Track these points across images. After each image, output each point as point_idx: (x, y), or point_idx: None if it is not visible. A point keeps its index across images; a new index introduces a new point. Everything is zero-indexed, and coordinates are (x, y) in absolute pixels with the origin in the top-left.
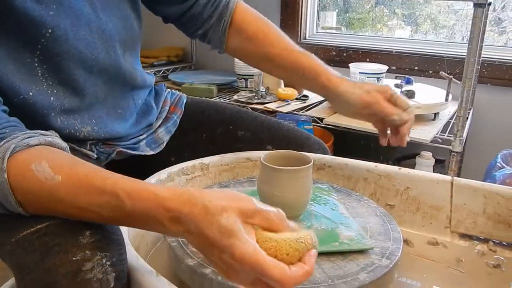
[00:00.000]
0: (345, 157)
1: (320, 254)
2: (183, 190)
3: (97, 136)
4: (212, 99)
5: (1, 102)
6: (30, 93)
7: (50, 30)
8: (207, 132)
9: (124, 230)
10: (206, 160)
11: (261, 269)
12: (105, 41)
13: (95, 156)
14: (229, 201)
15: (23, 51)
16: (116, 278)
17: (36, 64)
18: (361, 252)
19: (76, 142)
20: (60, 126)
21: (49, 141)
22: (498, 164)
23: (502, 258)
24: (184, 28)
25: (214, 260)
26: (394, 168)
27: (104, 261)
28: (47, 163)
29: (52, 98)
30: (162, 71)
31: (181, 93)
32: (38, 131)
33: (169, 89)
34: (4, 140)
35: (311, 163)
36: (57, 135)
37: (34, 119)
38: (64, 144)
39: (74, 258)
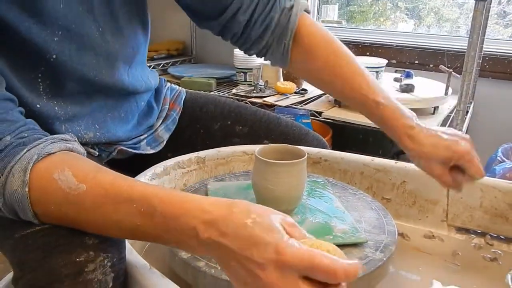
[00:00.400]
0: (344, 151)
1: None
2: (224, 199)
3: (98, 141)
4: (211, 93)
5: (16, 103)
6: (38, 106)
7: (54, 56)
8: (205, 127)
9: None
10: (202, 153)
11: (310, 259)
12: (110, 62)
13: (97, 153)
14: (270, 211)
15: (27, 68)
16: (115, 278)
17: (40, 80)
18: (355, 245)
19: None
20: (64, 133)
21: (69, 147)
22: (499, 158)
23: (499, 252)
24: (239, 46)
25: (252, 264)
26: (391, 162)
27: (105, 262)
28: (70, 171)
29: (56, 108)
30: (161, 64)
31: (180, 88)
32: (58, 135)
33: (168, 84)
34: (26, 149)
35: (305, 157)
36: (76, 139)
37: (41, 127)
38: (82, 150)
39: (77, 259)
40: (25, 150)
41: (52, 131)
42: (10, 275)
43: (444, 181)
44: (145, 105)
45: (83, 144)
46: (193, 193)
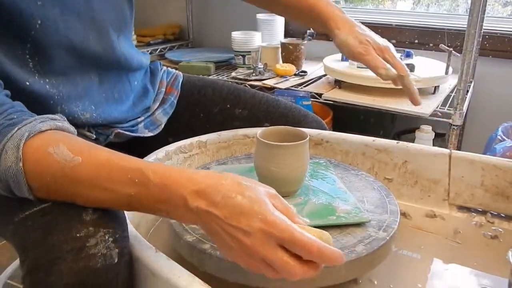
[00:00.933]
0: (345, 132)
1: (317, 228)
2: (215, 171)
3: (94, 122)
4: (209, 77)
5: (1, 86)
6: (27, 83)
7: (39, 21)
8: (204, 111)
9: None
10: (204, 138)
11: (290, 232)
12: (97, 28)
13: (94, 136)
14: (256, 183)
15: (14, 43)
16: (120, 254)
17: (28, 56)
18: (358, 225)
19: (74, 125)
20: (60, 113)
21: (59, 125)
22: (499, 137)
23: (500, 230)
24: None
25: (237, 232)
26: (392, 142)
27: (107, 237)
28: (65, 146)
29: (47, 87)
30: (158, 49)
31: (176, 71)
32: (47, 115)
33: (164, 67)
34: (17, 127)
35: (307, 138)
36: (65, 118)
37: (35, 106)
38: (72, 129)
39: (78, 235)
40: (16, 129)
41: (47, 112)
42: (16, 262)
43: (375, 57)
44: (140, 87)
45: (81, 126)
46: None
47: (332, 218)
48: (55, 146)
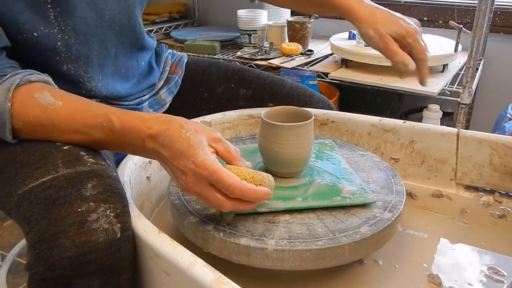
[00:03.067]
0: (351, 112)
1: (322, 209)
2: (165, 115)
3: (98, 93)
4: (213, 57)
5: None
6: (35, 34)
7: None
8: (208, 91)
9: (128, 189)
10: (208, 118)
11: (217, 175)
12: None
13: None
14: (200, 127)
15: None
16: (122, 229)
17: (49, 6)
18: (363, 206)
19: (77, 93)
20: (65, 72)
21: (46, 80)
22: (508, 115)
23: (508, 209)
24: None
25: (177, 170)
26: (399, 122)
27: (108, 212)
28: (49, 93)
29: (59, 43)
30: (164, 28)
31: (182, 53)
32: (35, 71)
33: (170, 50)
34: (9, 75)
35: (312, 118)
36: (50, 78)
37: (35, 58)
38: (57, 87)
39: (79, 210)
40: (8, 76)
41: (50, 66)
42: (24, 240)
43: (395, 52)
44: (146, 67)
45: (85, 94)
46: None
47: (337, 199)
48: (40, 92)
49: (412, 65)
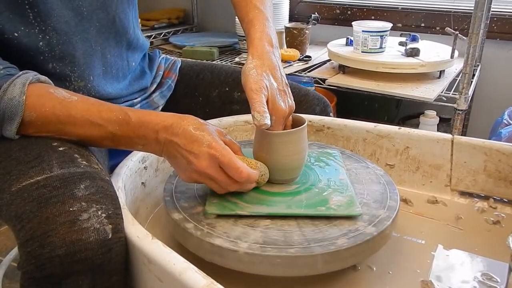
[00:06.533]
0: (349, 118)
1: (306, 217)
2: (177, 114)
3: (87, 93)
4: (207, 61)
5: None
6: (15, 34)
7: None
8: (203, 95)
9: (122, 194)
10: None
11: (228, 157)
12: None
13: None
14: (209, 124)
15: None
16: (113, 231)
17: (27, 6)
18: (348, 218)
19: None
20: (51, 71)
21: (51, 82)
22: (505, 121)
23: (503, 215)
24: None
25: (190, 155)
26: (394, 128)
27: (99, 213)
28: (63, 90)
29: (41, 43)
30: (163, 34)
31: (175, 58)
32: (37, 73)
33: (163, 55)
34: (21, 73)
35: (304, 125)
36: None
37: (20, 58)
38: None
39: (71, 209)
40: (20, 73)
41: (34, 65)
42: (14, 251)
43: (258, 101)
44: (138, 70)
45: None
46: None
47: (321, 209)
48: (55, 89)
49: (264, 120)
